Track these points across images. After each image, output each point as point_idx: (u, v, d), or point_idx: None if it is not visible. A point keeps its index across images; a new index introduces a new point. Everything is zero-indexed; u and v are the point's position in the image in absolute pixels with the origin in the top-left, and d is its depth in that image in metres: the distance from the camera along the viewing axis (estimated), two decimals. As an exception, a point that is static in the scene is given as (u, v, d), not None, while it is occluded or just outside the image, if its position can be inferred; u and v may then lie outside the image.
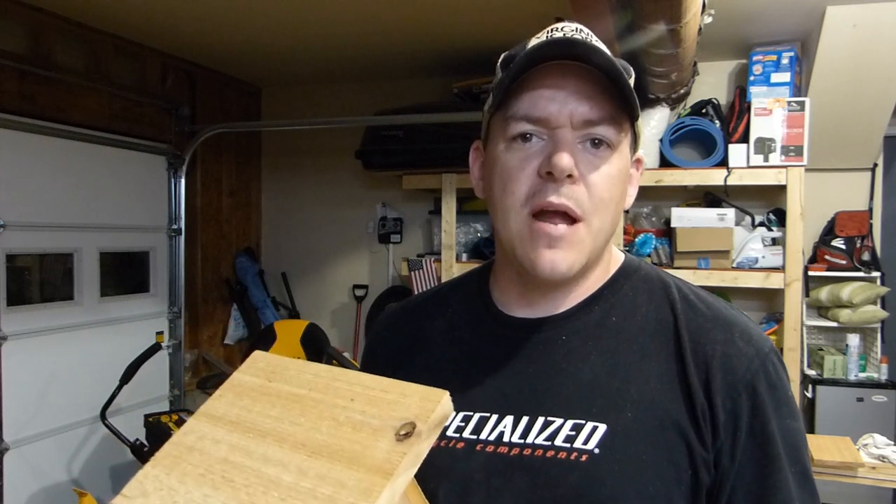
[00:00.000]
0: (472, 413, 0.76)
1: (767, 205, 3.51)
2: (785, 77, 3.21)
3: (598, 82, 0.70)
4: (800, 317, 3.18)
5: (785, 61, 3.22)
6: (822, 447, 1.83)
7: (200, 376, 3.99)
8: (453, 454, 0.74)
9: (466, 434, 0.75)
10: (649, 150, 3.26)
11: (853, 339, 3.31)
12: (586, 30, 0.74)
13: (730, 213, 3.23)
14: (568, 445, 0.70)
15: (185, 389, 3.83)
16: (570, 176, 0.70)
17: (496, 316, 0.81)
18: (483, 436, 0.74)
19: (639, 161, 0.81)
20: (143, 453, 2.82)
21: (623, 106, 0.71)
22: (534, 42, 0.73)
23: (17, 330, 2.90)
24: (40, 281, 3.17)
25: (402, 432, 0.55)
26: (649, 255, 3.34)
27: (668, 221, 3.37)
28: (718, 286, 3.27)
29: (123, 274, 3.63)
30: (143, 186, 3.61)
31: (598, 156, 0.72)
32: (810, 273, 3.40)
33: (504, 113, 0.73)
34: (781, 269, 3.11)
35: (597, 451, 0.69)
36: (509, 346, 0.78)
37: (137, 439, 2.86)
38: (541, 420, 0.73)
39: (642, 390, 0.72)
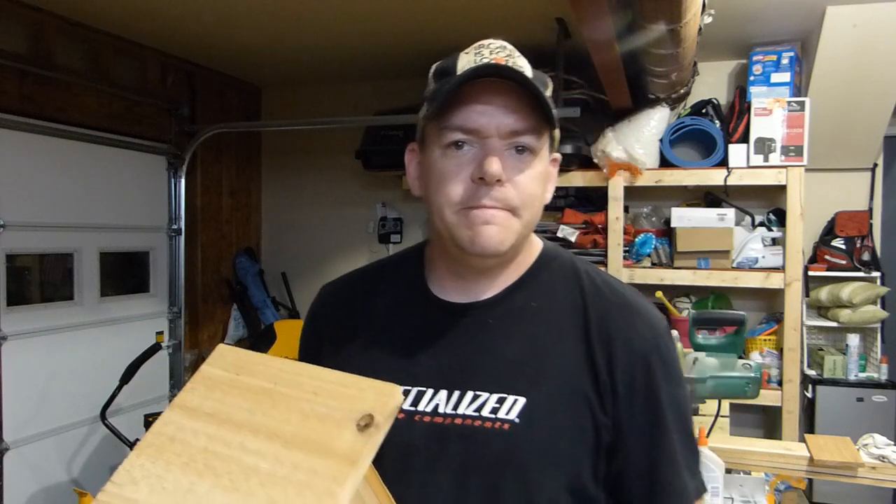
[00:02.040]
0: (411, 388, 0.86)
1: (767, 205, 3.51)
2: (785, 77, 3.21)
3: (522, 98, 0.80)
4: (800, 317, 3.18)
5: (785, 61, 3.22)
6: (822, 447, 1.83)
7: (200, 376, 3.98)
8: (396, 423, 0.81)
9: (406, 406, 0.85)
10: (649, 150, 3.26)
11: (853, 339, 3.31)
12: (510, 46, 0.85)
13: (730, 213, 3.23)
14: (493, 416, 0.82)
15: (185, 389, 3.82)
16: (499, 180, 0.80)
17: (432, 300, 0.91)
18: (421, 407, 0.85)
19: (555, 160, 0.91)
20: (143, 453, 2.82)
21: (542, 118, 0.81)
22: (464, 60, 0.83)
23: (17, 330, 2.90)
24: (40, 281, 3.17)
25: (363, 423, 0.62)
26: (649, 255, 3.34)
27: (668, 221, 3.37)
28: (718, 286, 3.28)
29: (123, 274, 3.63)
30: (143, 186, 3.62)
31: (521, 161, 0.82)
32: (810, 273, 3.41)
33: (440, 123, 0.82)
34: (781, 269, 3.11)
35: (517, 420, 0.82)
36: (444, 327, 0.89)
37: (137, 439, 2.86)
38: (470, 394, 0.84)
39: (557, 367, 0.84)
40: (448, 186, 0.83)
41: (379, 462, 0.77)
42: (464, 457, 0.82)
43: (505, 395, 0.83)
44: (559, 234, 3.37)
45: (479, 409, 0.83)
